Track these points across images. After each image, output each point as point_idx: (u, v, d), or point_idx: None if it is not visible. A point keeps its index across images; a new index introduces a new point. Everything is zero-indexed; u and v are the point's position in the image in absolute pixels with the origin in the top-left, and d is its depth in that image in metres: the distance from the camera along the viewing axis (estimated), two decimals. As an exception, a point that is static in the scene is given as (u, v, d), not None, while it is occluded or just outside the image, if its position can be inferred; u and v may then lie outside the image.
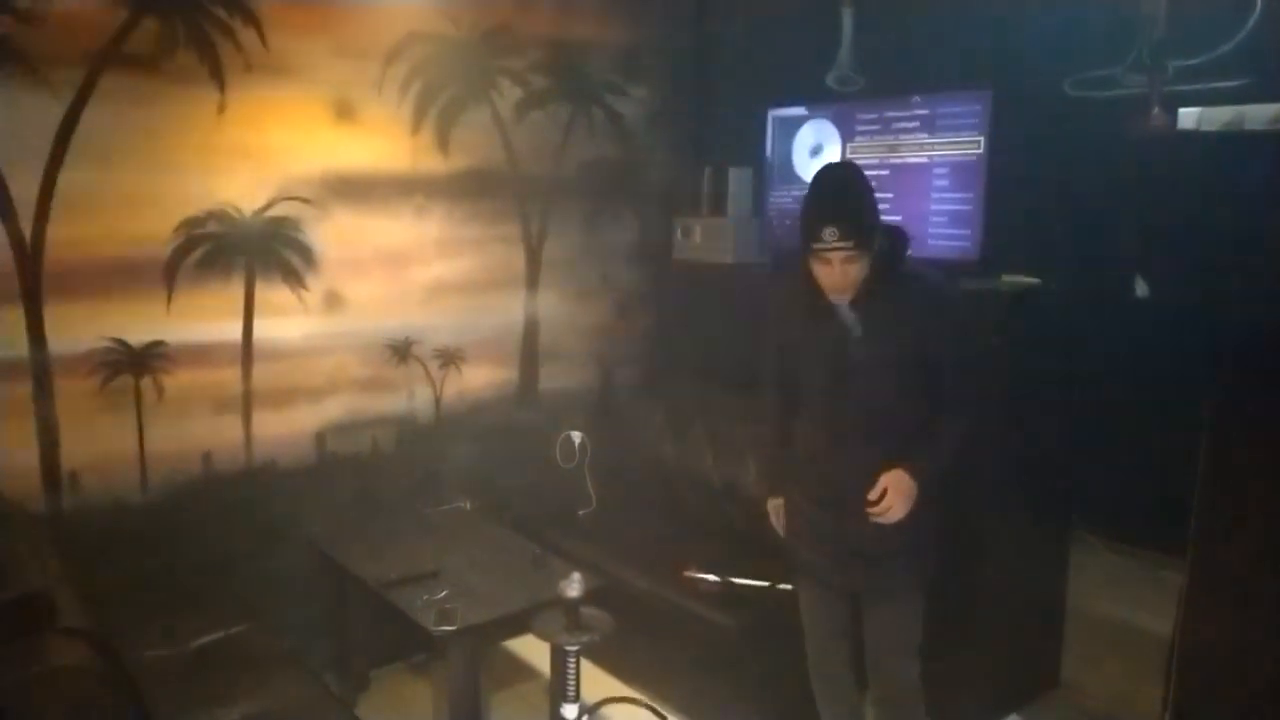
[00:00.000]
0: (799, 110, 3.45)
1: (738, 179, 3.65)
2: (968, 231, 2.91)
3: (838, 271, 2.07)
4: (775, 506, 2.45)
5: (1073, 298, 2.81)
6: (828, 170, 2.20)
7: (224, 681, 2.36)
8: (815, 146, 3.41)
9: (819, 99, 3.36)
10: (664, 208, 3.87)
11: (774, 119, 3.55)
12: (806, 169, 3.45)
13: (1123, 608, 2.83)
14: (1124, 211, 2.78)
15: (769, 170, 3.59)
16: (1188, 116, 2.60)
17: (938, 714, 2.73)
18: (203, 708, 2.22)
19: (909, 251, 2.23)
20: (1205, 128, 2.58)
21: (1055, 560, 3.00)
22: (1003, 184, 2.87)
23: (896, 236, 2.21)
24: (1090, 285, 2.84)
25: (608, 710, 2.52)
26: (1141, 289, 2.84)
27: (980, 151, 2.87)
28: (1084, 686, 2.96)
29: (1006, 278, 2.86)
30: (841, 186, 2.13)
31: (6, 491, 2.42)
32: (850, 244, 2.02)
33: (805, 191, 2.17)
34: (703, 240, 3.69)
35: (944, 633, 2.38)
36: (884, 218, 2.21)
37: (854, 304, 2.15)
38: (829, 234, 2.02)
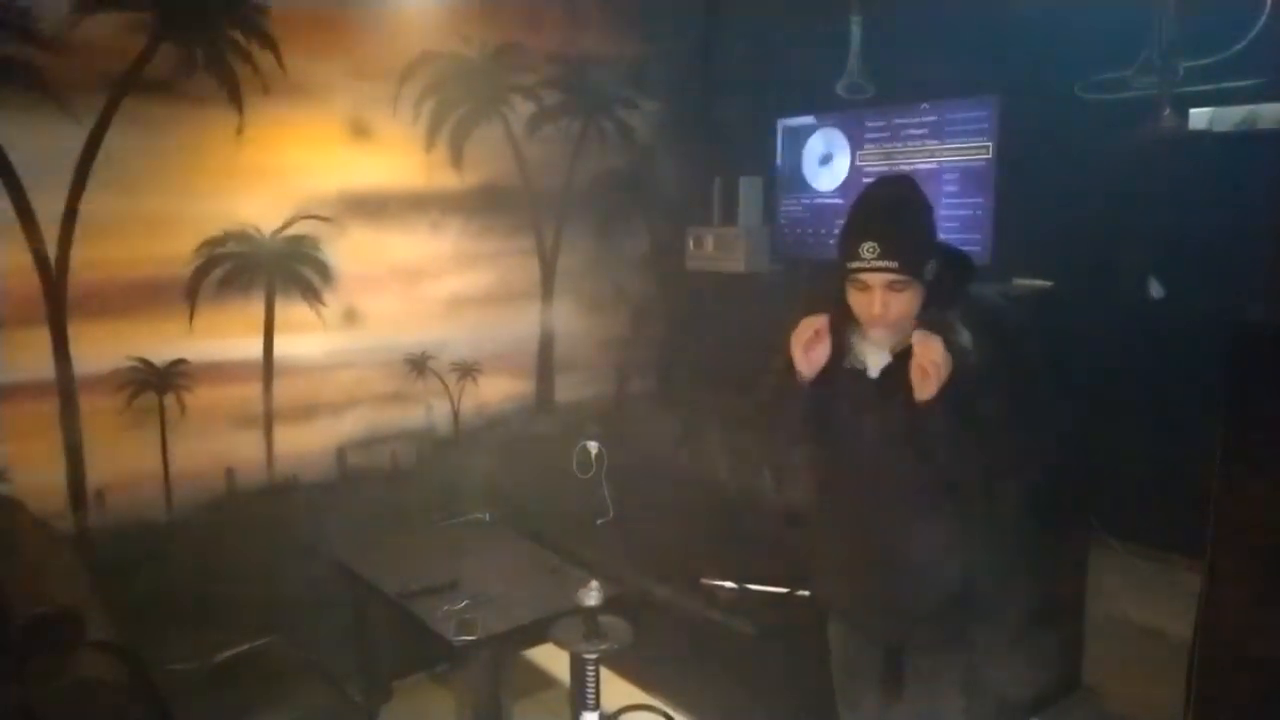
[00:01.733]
0: (808, 119, 3.47)
1: (748, 188, 3.68)
2: (978, 236, 2.91)
3: (877, 301, 1.72)
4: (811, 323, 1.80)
5: (1087, 300, 2.81)
6: (878, 181, 1.92)
7: (249, 693, 2.40)
8: (825, 155, 3.43)
9: (827, 108, 3.38)
10: (676, 218, 3.89)
11: (783, 128, 3.57)
12: (816, 177, 3.47)
13: (1143, 610, 2.81)
14: (1137, 213, 2.78)
15: (779, 179, 3.61)
16: (1199, 117, 2.60)
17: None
18: (233, 715, 2.26)
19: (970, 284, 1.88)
20: (1217, 128, 2.59)
21: (1074, 564, 2.99)
22: (1013, 188, 2.88)
23: (958, 265, 1.86)
24: (1104, 288, 2.84)
25: (627, 718, 2.54)
26: (1156, 290, 2.83)
27: (989, 156, 2.88)
28: (1105, 689, 2.94)
29: (1019, 281, 2.86)
30: (890, 199, 1.80)
31: (35, 509, 2.46)
32: (894, 265, 1.69)
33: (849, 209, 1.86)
34: (715, 250, 3.71)
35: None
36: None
37: (898, 349, 1.79)
38: (868, 250, 1.69)
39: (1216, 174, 2.55)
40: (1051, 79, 2.78)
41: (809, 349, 1.78)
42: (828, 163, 3.41)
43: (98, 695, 1.66)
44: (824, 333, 1.79)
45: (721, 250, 3.68)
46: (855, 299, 1.77)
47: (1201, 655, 1.84)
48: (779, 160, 3.59)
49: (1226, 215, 2.53)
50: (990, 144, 2.88)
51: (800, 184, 3.52)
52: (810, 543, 2.14)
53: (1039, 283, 2.82)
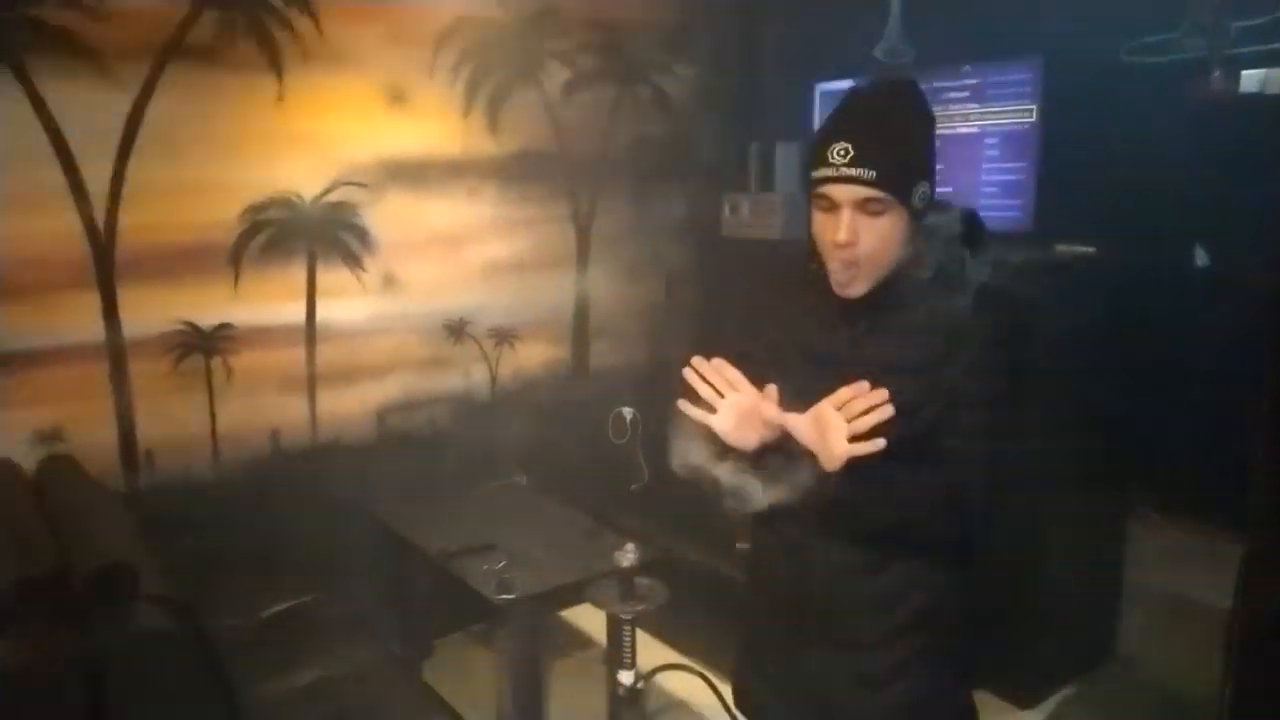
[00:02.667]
0: (847, 84, 3.42)
1: (785, 154, 3.65)
2: (1020, 201, 2.88)
3: (844, 225, 1.28)
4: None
5: (1129, 267, 2.77)
6: (869, 82, 1.42)
7: (295, 648, 2.48)
8: (864, 119, 3.39)
9: (866, 72, 3.33)
10: (711, 184, 3.87)
11: (821, 93, 3.53)
12: (855, 142, 3.43)
13: (1181, 581, 2.80)
14: (1184, 178, 2.72)
15: (817, 145, 3.57)
16: (1251, 79, 2.54)
17: (995, 685, 2.73)
18: (276, 673, 2.33)
19: (980, 253, 1.36)
20: (1270, 90, 2.52)
21: (1112, 533, 2.98)
22: (1057, 152, 2.84)
23: (965, 223, 1.36)
24: (1148, 254, 2.80)
25: (662, 677, 2.58)
26: (1201, 258, 2.78)
27: (1032, 120, 2.84)
28: (1141, 659, 2.94)
29: (1061, 247, 2.83)
30: (878, 97, 1.35)
31: (88, 469, 2.54)
32: (869, 175, 1.25)
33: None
34: (750, 216, 3.69)
35: (1000, 605, 2.38)
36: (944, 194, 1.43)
37: (871, 306, 1.35)
38: (838, 153, 1.27)
39: (1268, 138, 2.49)
40: (1097, 41, 2.72)
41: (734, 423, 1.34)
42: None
43: (156, 646, 1.72)
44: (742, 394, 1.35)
45: (757, 217, 3.66)
46: (820, 224, 1.34)
47: (1240, 626, 1.83)
48: (816, 125, 3.55)
49: (1277, 181, 2.47)
50: (1034, 107, 2.83)
51: (838, 149, 3.49)
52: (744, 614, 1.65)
53: (1082, 249, 2.79)
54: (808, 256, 1.42)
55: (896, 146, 1.30)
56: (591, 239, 3.65)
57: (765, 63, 3.91)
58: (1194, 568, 2.75)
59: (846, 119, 1.33)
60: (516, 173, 3.40)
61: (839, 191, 1.29)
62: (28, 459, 2.50)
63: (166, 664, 1.75)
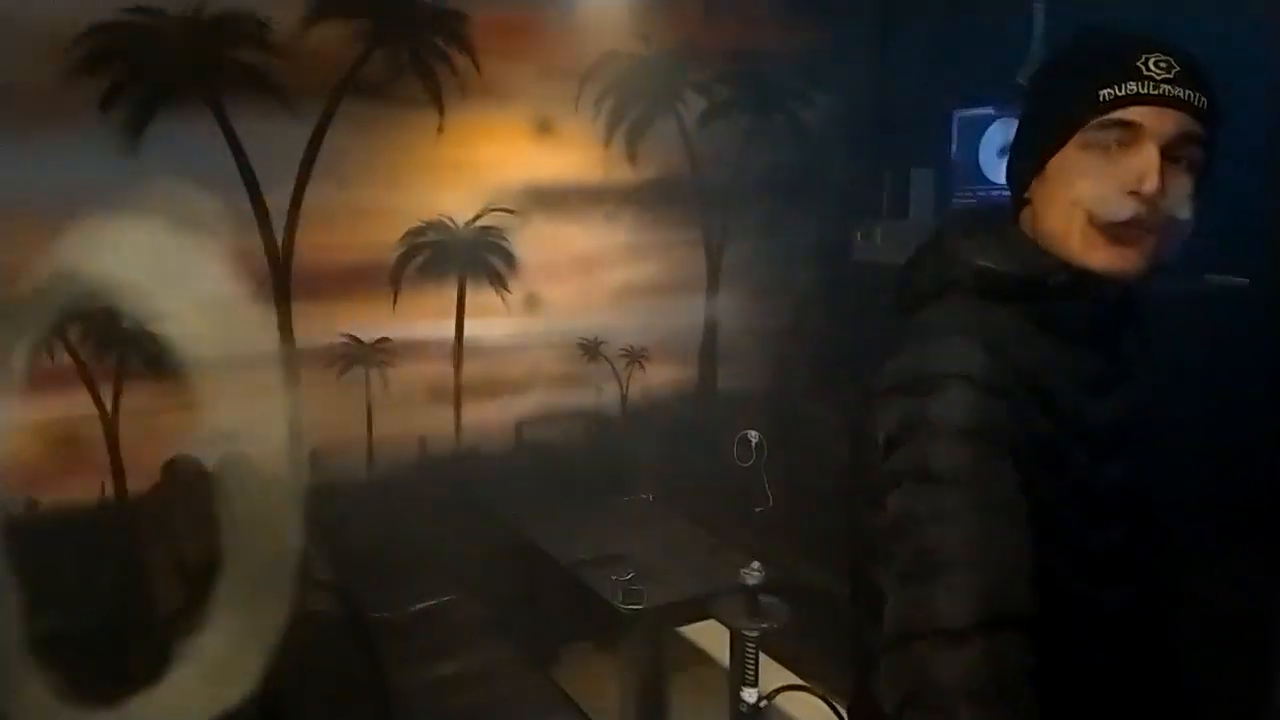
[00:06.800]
0: (987, 110, 3.40)
1: (919, 181, 3.63)
2: (1168, 230, 2.79)
3: (1153, 167, 0.90)
4: None
5: (1289, 300, 2.64)
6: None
7: (438, 644, 2.64)
8: (1004, 146, 3.35)
9: (1008, 98, 3.29)
10: (843, 210, 3.89)
11: (959, 119, 3.51)
12: (994, 169, 3.39)
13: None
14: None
15: (954, 171, 3.55)
16: None
17: None
18: (421, 663, 2.50)
19: None
20: None
21: (1271, 579, 2.82)
22: (1207, 177, 2.73)
23: None
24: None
25: (784, 699, 2.59)
26: (1372, 291, 2.62)
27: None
28: None
29: (1211, 277, 2.72)
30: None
31: (259, 466, 2.78)
32: (1203, 101, 0.91)
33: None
34: (883, 243, 3.68)
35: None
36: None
37: (1131, 313, 1.04)
38: (1158, 64, 0.91)
39: None
40: (1253, 61, 2.61)
41: None
42: (1007, 154, 3.33)
43: (320, 625, 1.90)
44: None
45: (891, 243, 3.64)
46: (1092, 169, 0.92)
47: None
48: (954, 152, 3.53)
49: None
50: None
51: (976, 176, 3.45)
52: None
53: (1233, 279, 2.67)
54: (1003, 242, 1.01)
55: (1214, 83, 0.92)
56: (722, 264, 3.73)
57: (902, 89, 3.91)
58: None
59: (1146, 37, 0.94)
60: (652, 199, 3.52)
61: (1155, 118, 0.89)
62: (209, 456, 2.75)
63: (330, 643, 1.91)
